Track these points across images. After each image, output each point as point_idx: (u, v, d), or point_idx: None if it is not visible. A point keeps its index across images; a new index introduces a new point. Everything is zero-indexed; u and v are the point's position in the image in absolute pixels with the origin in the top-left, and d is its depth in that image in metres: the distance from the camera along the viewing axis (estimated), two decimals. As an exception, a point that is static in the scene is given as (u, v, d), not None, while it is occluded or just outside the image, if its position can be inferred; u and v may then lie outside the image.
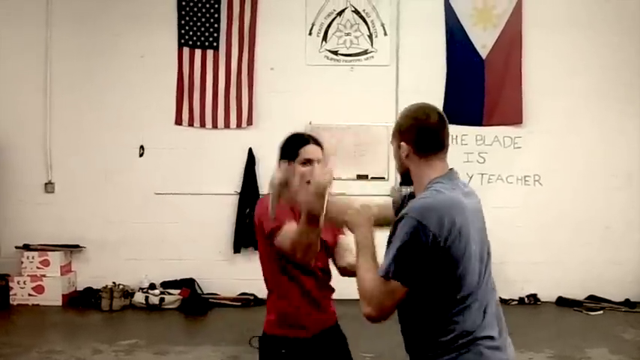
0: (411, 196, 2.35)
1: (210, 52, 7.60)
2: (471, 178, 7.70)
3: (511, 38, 7.54)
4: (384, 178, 7.67)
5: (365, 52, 7.66)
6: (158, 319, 7.06)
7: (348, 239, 2.77)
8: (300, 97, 7.60)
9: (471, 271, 2.14)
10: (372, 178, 7.70)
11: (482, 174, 7.72)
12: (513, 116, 7.62)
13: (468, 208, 2.18)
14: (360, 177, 7.69)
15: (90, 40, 7.69)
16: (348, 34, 7.63)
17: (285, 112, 7.58)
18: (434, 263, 2.07)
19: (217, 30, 7.57)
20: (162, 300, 7.29)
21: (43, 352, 5.81)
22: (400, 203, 2.41)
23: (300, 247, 2.50)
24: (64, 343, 6.10)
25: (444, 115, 2.31)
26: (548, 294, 7.63)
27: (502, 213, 7.61)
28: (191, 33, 7.59)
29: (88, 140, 7.73)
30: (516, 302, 7.61)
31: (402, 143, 2.27)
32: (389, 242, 2.16)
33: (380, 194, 7.68)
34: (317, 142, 2.84)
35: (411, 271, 2.08)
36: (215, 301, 7.44)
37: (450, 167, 2.30)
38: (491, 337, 2.15)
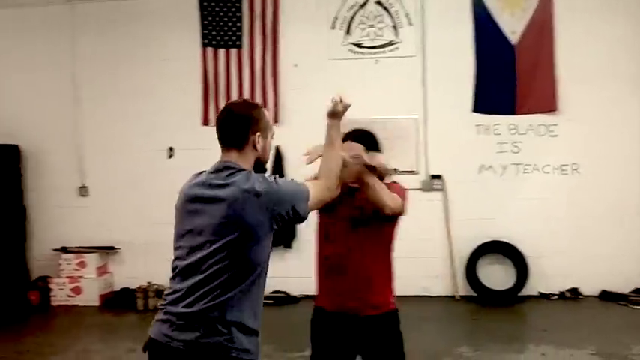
0: None
1: (233, 52, 7.59)
2: (505, 169, 7.45)
3: (542, 22, 7.21)
4: (413, 171, 7.50)
5: (390, 44, 7.49)
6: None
7: None
8: (324, 92, 7.36)
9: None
10: (402, 172, 7.52)
11: (517, 164, 7.44)
12: (547, 103, 7.29)
13: (187, 195, 2.52)
14: (389, 171, 7.51)
15: (115, 47, 7.85)
16: (371, 26, 7.47)
17: (311, 108, 7.47)
18: None
19: (240, 29, 7.55)
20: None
21: (80, 351, 5.96)
22: None
23: None
24: (99, 343, 6.25)
25: (224, 111, 2.56)
26: (590, 288, 7.31)
27: (538, 204, 7.36)
28: (214, 33, 7.59)
29: (118, 144, 7.86)
30: (556, 297, 7.33)
31: None
32: None
33: (411, 188, 7.52)
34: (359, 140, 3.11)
35: None
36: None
37: (223, 161, 2.53)
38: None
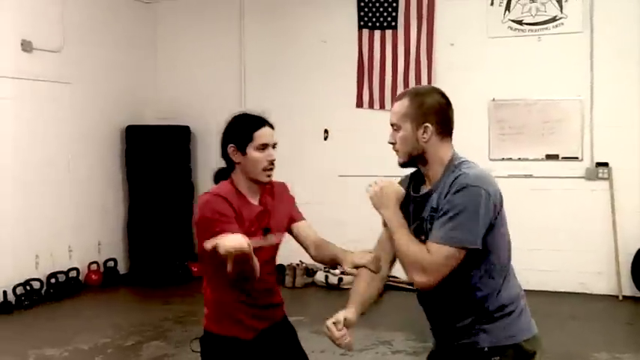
0: (416, 175, 2.43)
1: (388, 33, 7.54)
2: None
3: None
4: (577, 158, 6.98)
5: (553, 20, 7.01)
6: (335, 297, 7.08)
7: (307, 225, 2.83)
8: (482, 72, 7.22)
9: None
10: (564, 158, 7.05)
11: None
12: None
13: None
14: (549, 157, 7.07)
15: (277, 30, 8.13)
16: (533, 1, 7.03)
17: (467, 89, 7.21)
18: (493, 230, 2.19)
19: (396, 9, 7.48)
20: (340, 280, 7.40)
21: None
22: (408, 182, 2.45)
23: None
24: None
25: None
26: None
27: None
28: (370, 14, 7.59)
29: (278, 125, 8.10)
30: None
31: (427, 124, 2.29)
32: (437, 214, 2.21)
33: (573, 176, 7.02)
34: (271, 125, 2.72)
35: (475, 237, 2.14)
36: (392, 284, 7.34)
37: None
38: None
